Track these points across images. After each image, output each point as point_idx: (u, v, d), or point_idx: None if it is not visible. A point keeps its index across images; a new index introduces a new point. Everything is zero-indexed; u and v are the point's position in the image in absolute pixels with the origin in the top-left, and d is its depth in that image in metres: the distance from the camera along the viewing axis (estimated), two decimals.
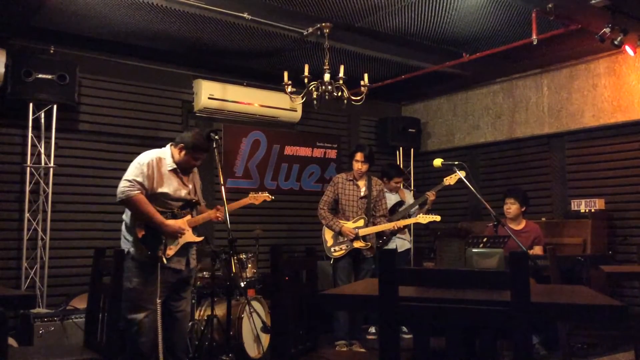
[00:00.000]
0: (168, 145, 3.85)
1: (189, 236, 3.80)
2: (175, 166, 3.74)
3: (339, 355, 3.80)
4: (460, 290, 2.00)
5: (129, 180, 3.57)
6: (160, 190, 3.66)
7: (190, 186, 3.89)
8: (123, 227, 3.76)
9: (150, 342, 3.66)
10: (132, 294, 3.63)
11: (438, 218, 5.24)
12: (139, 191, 3.55)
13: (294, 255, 6.31)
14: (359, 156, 5.15)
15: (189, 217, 3.83)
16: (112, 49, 5.49)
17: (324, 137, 7.08)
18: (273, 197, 4.59)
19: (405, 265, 5.61)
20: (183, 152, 3.75)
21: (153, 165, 3.65)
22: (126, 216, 3.74)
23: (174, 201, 3.76)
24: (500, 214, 4.81)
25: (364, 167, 5.18)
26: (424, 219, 5.23)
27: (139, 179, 3.57)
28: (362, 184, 5.24)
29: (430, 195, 5.61)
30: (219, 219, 3.97)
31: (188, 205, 3.86)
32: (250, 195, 4.43)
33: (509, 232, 3.93)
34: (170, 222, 3.67)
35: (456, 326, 1.73)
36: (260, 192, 4.49)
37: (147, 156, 3.70)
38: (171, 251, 3.68)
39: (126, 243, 3.71)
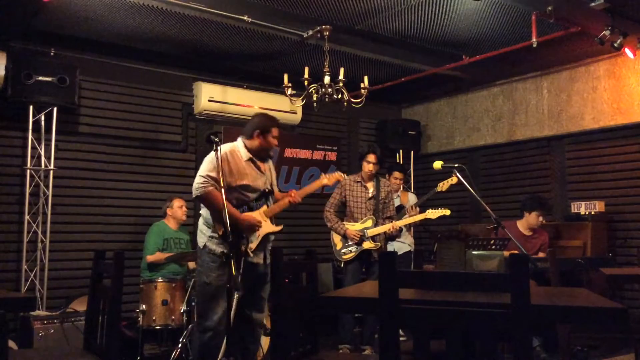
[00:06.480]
0: (239, 139, 3.72)
1: (268, 227, 3.65)
2: (250, 156, 3.64)
3: (340, 358, 3.79)
4: (460, 292, 1.99)
5: (203, 176, 3.45)
6: (239, 183, 3.56)
7: (267, 174, 3.76)
8: (200, 221, 3.63)
9: (221, 346, 3.44)
10: (209, 289, 3.51)
11: (447, 212, 5.13)
12: (213, 187, 3.43)
13: (294, 257, 6.30)
14: (372, 157, 5.10)
15: (264, 207, 3.69)
16: (113, 52, 5.50)
17: (324, 140, 7.08)
18: (345, 175, 4.36)
19: (405, 268, 5.55)
20: (260, 138, 3.64)
21: (227, 158, 3.53)
22: (204, 210, 3.61)
23: (251, 192, 3.63)
24: (500, 217, 4.80)
25: (376, 169, 5.15)
26: (433, 213, 5.12)
27: (213, 174, 3.44)
28: (370, 185, 5.20)
29: (411, 210, 5.42)
30: (295, 201, 3.81)
31: (263, 196, 3.72)
32: (322, 175, 4.14)
33: (509, 234, 3.93)
34: (247, 216, 3.54)
35: (456, 329, 1.72)
36: (330, 173, 4.19)
37: (221, 150, 3.54)
38: (253, 245, 3.56)
39: (202, 237, 3.58)
